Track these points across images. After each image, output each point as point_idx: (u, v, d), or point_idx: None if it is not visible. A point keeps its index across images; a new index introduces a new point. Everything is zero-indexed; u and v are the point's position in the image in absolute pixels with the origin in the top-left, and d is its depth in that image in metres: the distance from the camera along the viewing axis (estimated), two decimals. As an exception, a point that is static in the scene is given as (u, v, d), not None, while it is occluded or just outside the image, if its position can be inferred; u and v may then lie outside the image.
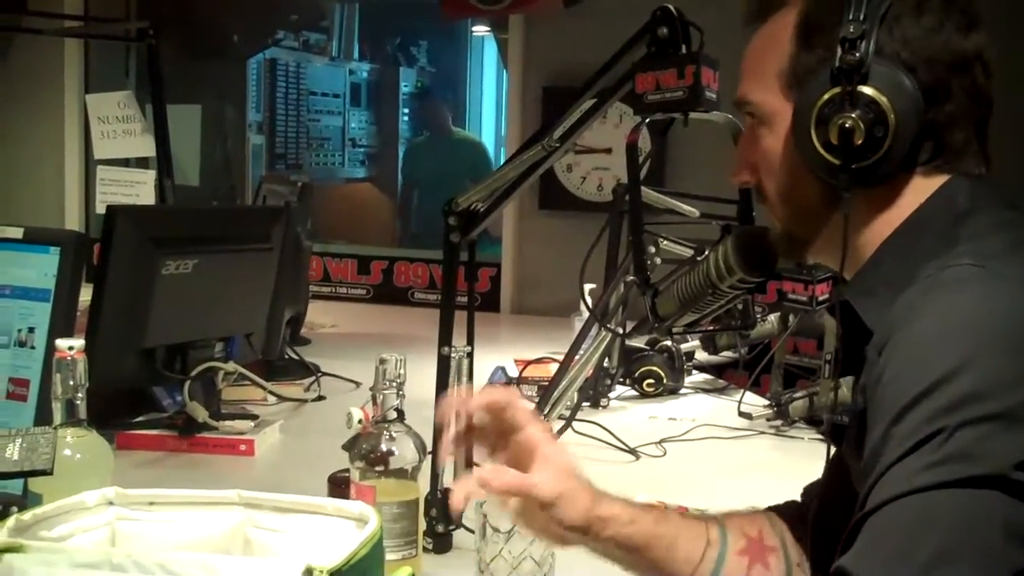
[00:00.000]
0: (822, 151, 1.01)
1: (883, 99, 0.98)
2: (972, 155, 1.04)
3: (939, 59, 1.01)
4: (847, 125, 0.99)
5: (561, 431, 2.08)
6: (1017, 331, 0.87)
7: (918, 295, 0.94)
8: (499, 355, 2.83)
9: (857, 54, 0.98)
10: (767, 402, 2.41)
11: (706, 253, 1.27)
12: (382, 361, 1.42)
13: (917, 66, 0.99)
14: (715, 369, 2.89)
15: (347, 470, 1.47)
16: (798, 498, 1.32)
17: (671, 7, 1.35)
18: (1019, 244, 0.96)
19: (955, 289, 0.92)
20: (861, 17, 0.99)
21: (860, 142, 0.99)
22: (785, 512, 1.31)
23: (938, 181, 1.03)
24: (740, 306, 1.44)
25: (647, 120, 1.38)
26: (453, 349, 1.59)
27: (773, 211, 1.13)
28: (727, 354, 2.77)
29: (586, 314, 2.28)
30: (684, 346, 2.72)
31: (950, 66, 1.01)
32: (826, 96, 1.00)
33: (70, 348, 1.26)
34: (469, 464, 1.63)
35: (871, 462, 0.88)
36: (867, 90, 0.98)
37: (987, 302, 0.90)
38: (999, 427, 0.83)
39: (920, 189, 1.03)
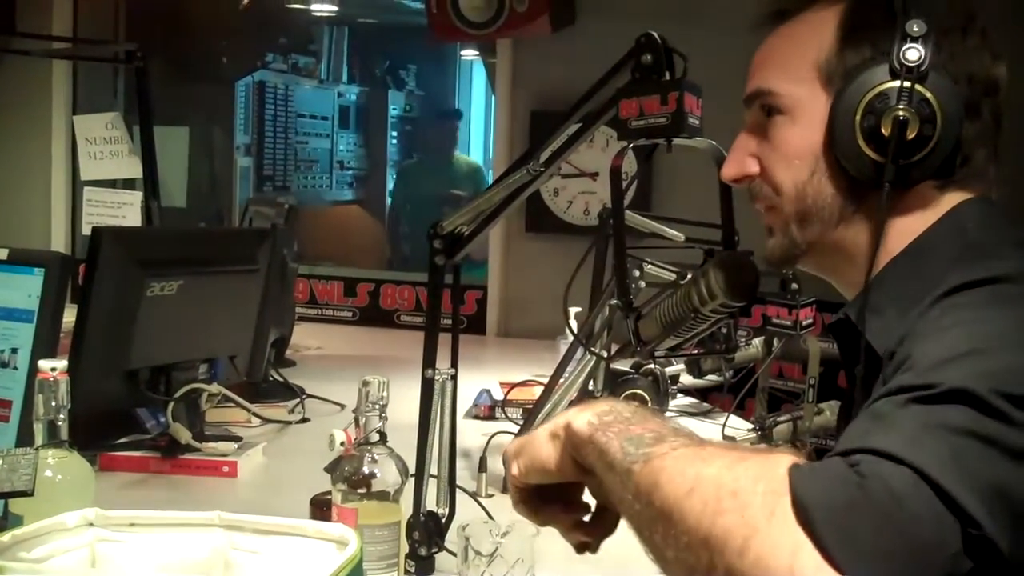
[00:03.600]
0: (863, 144, 1.02)
1: (935, 101, 1.00)
2: (989, 176, 1.06)
3: (978, 78, 1.04)
4: (902, 116, 1.00)
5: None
6: None
7: (951, 303, 0.93)
8: (484, 378, 2.83)
9: (919, 53, 1.00)
10: (751, 426, 2.42)
11: (688, 277, 1.27)
12: (365, 383, 1.43)
13: (959, 80, 1.02)
14: (700, 392, 2.90)
15: (329, 492, 1.47)
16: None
17: (655, 34, 1.36)
18: None
19: (994, 303, 0.92)
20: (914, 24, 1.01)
21: (912, 136, 1.00)
22: None
23: (950, 201, 1.05)
24: (724, 330, 1.44)
25: (631, 145, 1.39)
26: (437, 372, 1.59)
27: (778, 208, 1.12)
28: (712, 378, 2.77)
29: (571, 337, 2.28)
30: (669, 369, 2.72)
31: (985, 87, 1.05)
32: (881, 87, 1.01)
33: (53, 369, 1.26)
34: (452, 487, 1.63)
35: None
36: (922, 88, 1.00)
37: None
38: None
39: (933, 208, 1.05)
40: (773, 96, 1.10)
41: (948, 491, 0.74)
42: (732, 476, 0.80)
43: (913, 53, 1.00)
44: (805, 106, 1.08)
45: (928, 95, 1.00)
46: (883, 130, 1.00)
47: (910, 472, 0.75)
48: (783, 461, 0.80)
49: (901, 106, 1.00)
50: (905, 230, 1.05)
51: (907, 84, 1.00)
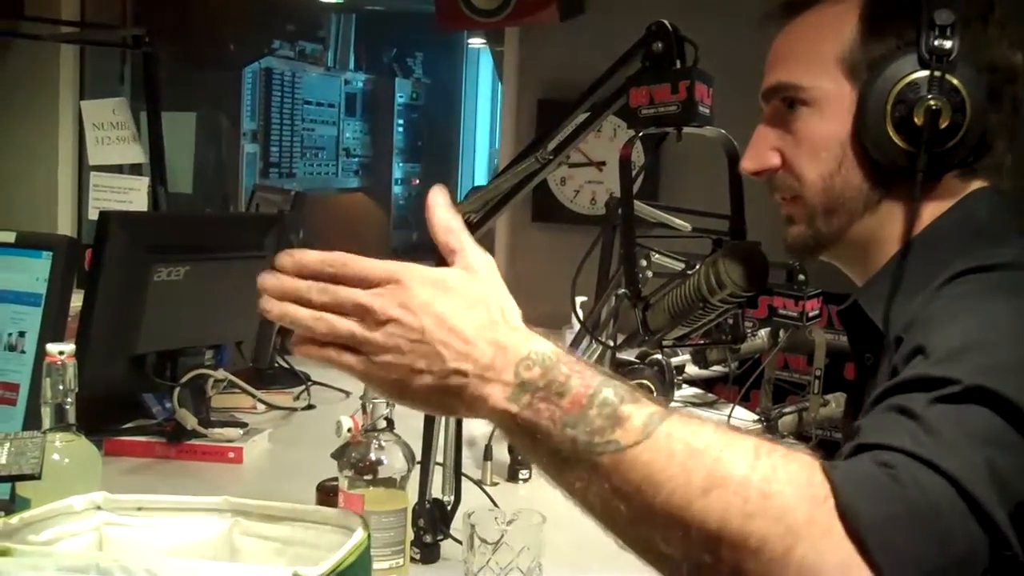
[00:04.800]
0: (893, 134, 1.02)
1: (964, 90, 1.00)
2: (1005, 165, 1.07)
3: (999, 67, 1.04)
4: (934, 106, 1.00)
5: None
6: None
7: (958, 289, 0.95)
8: (490, 366, 2.82)
9: (948, 42, 1.00)
10: (756, 417, 2.41)
11: (697, 267, 1.27)
12: (372, 370, 1.42)
13: (982, 70, 1.02)
14: (705, 383, 2.89)
15: (336, 479, 1.47)
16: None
17: (666, 22, 1.36)
18: None
19: (1000, 288, 0.93)
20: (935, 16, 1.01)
21: (945, 125, 1.00)
22: None
23: (967, 189, 1.05)
24: (730, 320, 1.44)
25: (641, 134, 1.38)
26: (444, 359, 1.58)
27: (803, 199, 1.11)
28: (717, 368, 2.77)
29: (577, 327, 2.28)
30: (674, 360, 2.71)
31: (1006, 76, 1.05)
32: (911, 77, 1.01)
33: (61, 353, 1.26)
34: (458, 475, 1.64)
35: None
36: (952, 78, 1.01)
37: None
38: None
39: (951, 196, 1.05)
40: (796, 89, 1.09)
41: (984, 507, 0.75)
42: (759, 475, 0.76)
43: (943, 42, 1.00)
44: (830, 98, 1.07)
45: (957, 84, 1.00)
46: (915, 119, 1.00)
47: (947, 484, 0.75)
48: (807, 460, 0.78)
49: (932, 95, 1.00)
50: (922, 218, 1.06)
51: (937, 73, 1.00)
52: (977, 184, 1.06)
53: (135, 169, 3.81)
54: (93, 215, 3.24)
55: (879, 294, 1.04)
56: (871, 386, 0.99)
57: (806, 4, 1.12)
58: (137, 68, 4.31)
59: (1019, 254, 0.96)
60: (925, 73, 1.01)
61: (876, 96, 1.03)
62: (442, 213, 0.89)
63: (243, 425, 2.14)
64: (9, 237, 1.58)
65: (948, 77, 1.00)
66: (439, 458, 1.61)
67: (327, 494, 1.57)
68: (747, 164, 1.15)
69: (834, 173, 1.08)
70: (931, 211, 1.05)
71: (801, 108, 1.09)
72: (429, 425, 1.58)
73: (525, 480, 1.99)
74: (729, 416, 2.43)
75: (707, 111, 1.31)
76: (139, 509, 1.04)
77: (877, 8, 1.06)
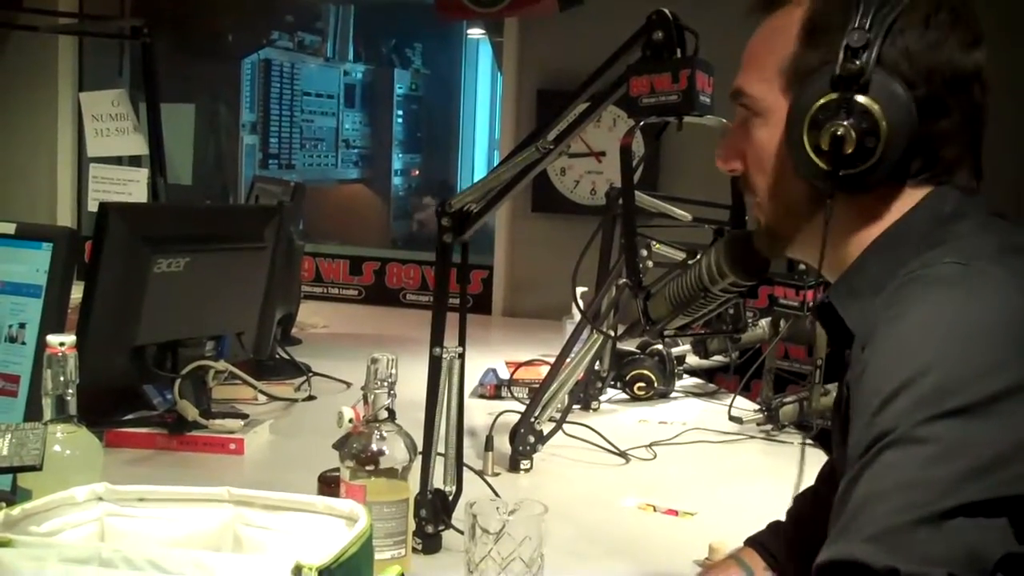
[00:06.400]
0: (812, 154, 1.02)
1: (877, 110, 0.98)
2: (965, 170, 1.05)
3: (938, 74, 1.00)
4: (839, 133, 0.99)
5: (551, 434, 2.09)
6: (996, 327, 0.88)
7: (900, 291, 0.95)
8: (490, 357, 2.83)
9: (858, 63, 0.98)
10: (757, 407, 2.42)
11: (698, 256, 1.27)
12: (374, 360, 1.43)
13: (916, 80, 0.99)
14: (706, 373, 2.90)
15: (337, 469, 1.47)
16: (784, 503, 1.32)
17: (666, 11, 1.35)
18: (1005, 248, 0.97)
19: (937, 287, 0.93)
20: (867, 25, 0.98)
21: (850, 151, 0.99)
22: (766, 541, 1.33)
23: (924, 191, 1.04)
24: (731, 310, 1.44)
25: (641, 124, 1.38)
26: (445, 350, 1.59)
27: (759, 204, 1.13)
28: (718, 358, 2.77)
29: (578, 317, 2.28)
30: (675, 350, 2.72)
31: (949, 83, 1.01)
32: (822, 101, 1.00)
33: (61, 344, 1.26)
34: (459, 465, 1.64)
35: (855, 454, 0.90)
36: (863, 100, 0.98)
37: (968, 299, 0.91)
38: (968, 419, 0.85)
39: (908, 199, 1.04)
40: (747, 98, 1.09)
41: None
42: None
43: (852, 64, 0.98)
44: (771, 109, 1.07)
45: (870, 105, 0.98)
46: (822, 144, 1.00)
47: None
48: None
49: (838, 121, 0.99)
50: (877, 224, 1.05)
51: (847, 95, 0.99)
52: (932, 187, 1.05)
53: (134, 161, 3.81)
54: (93, 207, 3.24)
55: (846, 292, 1.04)
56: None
57: (772, 5, 1.10)
58: (136, 59, 4.31)
59: (963, 246, 0.97)
60: (835, 95, 0.99)
61: (795, 117, 1.03)
62: None
63: (244, 416, 2.14)
64: (9, 228, 1.58)
65: (859, 99, 0.98)
66: (441, 448, 1.61)
67: (329, 485, 1.58)
68: (717, 160, 1.16)
69: (778, 182, 1.08)
70: (898, 208, 1.04)
71: (754, 116, 1.09)
72: (430, 416, 1.59)
73: (527, 470, 1.99)
74: (730, 406, 2.43)
75: (708, 100, 1.31)
76: (141, 500, 1.04)
77: (817, 17, 1.04)
